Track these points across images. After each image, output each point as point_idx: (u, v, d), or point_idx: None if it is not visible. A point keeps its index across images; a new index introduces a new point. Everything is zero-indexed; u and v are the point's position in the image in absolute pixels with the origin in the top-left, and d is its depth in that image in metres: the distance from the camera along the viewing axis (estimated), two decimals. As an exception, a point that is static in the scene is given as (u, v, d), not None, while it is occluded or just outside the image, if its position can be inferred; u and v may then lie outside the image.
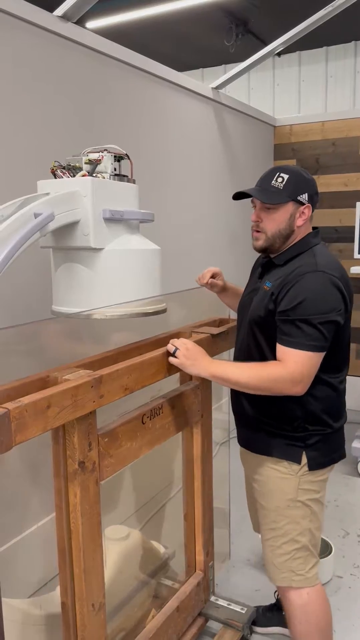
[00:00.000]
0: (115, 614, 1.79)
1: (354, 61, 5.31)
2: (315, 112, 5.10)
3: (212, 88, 3.45)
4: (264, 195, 1.59)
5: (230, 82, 3.54)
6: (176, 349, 1.58)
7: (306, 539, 1.65)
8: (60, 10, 2.20)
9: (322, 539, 2.06)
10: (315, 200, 1.62)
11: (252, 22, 4.39)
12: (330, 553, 2.32)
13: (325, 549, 2.32)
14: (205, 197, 3.51)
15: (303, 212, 1.59)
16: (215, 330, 1.89)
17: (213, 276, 1.96)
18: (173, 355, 1.58)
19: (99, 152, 1.65)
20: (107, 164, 1.64)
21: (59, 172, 1.60)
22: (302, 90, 5.28)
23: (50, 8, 2.19)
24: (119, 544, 1.87)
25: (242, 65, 3.57)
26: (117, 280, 1.63)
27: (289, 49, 3.99)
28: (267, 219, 1.61)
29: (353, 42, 5.44)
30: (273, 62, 5.21)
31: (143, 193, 2.83)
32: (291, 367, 1.48)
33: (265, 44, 4.35)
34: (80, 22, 2.36)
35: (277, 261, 1.63)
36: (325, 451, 1.65)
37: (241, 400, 1.71)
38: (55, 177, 1.62)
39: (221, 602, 2.04)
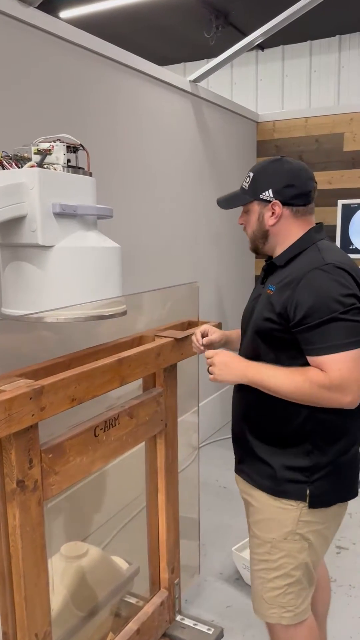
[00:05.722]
0: (71, 637, 1.67)
1: (338, 56, 5.19)
2: (298, 108, 5.01)
3: (189, 81, 3.34)
4: (229, 201, 1.55)
5: (209, 75, 3.43)
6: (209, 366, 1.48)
7: (301, 572, 1.46)
8: (20, -7, 2.08)
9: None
10: (287, 193, 1.43)
11: (233, 14, 4.27)
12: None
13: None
14: (184, 193, 3.39)
15: (273, 210, 1.45)
16: (180, 335, 1.77)
17: (204, 335, 1.65)
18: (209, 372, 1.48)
19: (50, 142, 1.52)
20: (59, 155, 1.52)
21: (5, 162, 1.48)
22: (286, 85, 5.17)
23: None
24: (76, 561, 1.75)
25: (221, 57, 3.45)
26: (70, 281, 1.50)
27: (273, 42, 3.89)
28: (246, 222, 1.53)
29: (337, 35, 5.32)
30: (256, 56, 5.09)
31: (114, 189, 2.72)
32: (333, 374, 1.28)
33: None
34: (53, 11, 2.24)
35: (278, 262, 1.46)
36: (334, 486, 1.44)
37: (241, 422, 1.55)
38: (3, 169, 1.50)
39: (187, 621, 1.93)
